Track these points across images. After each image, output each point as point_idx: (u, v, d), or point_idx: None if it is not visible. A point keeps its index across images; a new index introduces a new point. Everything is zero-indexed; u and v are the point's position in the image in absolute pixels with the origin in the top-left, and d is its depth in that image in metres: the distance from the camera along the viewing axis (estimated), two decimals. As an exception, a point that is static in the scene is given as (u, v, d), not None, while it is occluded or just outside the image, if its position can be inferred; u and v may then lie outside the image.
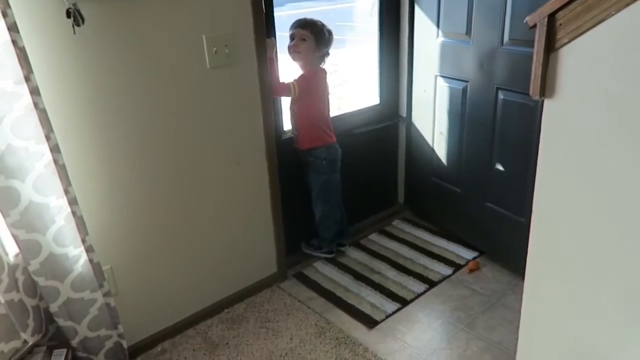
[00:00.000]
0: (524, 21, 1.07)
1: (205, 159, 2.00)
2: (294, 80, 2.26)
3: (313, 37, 2.24)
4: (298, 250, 2.60)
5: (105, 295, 1.70)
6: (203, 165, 2.00)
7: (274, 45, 2.17)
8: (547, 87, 1.07)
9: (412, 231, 2.83)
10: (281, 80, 2.22)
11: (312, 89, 2.29)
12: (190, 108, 1.90)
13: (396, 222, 2.93)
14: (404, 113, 2.85)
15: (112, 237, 1.82)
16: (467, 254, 2.59)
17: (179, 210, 1.98)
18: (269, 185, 2.25)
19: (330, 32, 2.29)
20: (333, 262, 2.57)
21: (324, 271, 2.51)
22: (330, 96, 2.42)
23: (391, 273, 2.47)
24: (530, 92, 1.09)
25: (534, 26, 1.03)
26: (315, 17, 2.31)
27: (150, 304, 2.00)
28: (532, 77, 1.07)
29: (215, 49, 1.89)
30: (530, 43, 2.05)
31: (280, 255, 2.40)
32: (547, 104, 1.09)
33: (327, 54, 2.33)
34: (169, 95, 1.83)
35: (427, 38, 2.56)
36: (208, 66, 1.89)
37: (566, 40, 1.01)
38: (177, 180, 1.94)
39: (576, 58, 1.01)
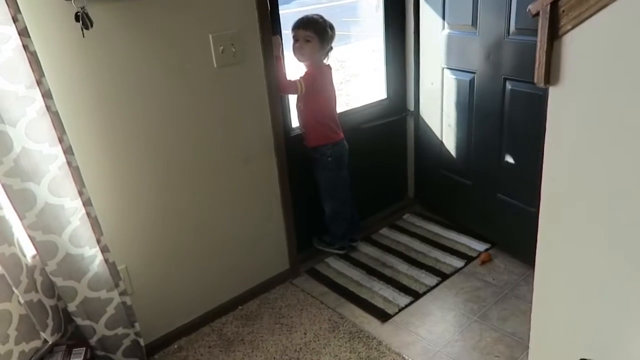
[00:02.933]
0: (527, 10, 1.07)
1: (215, 157, 2.02)
2: (300, 77, 2.27)
3: (317, 36, 2.24)
4: (310, 246, 2.62)
5: (122, 294, 1.73)
6: (213, 163, 2.03)
7: (280, 43, 2.18)
8: (551, 75, 1.07)
9: (423, 225, 2.84)
10: (287, 78, 2.24)
11: (317, 85, 2.30)
12: (199, 107, 1.93)
13: (407, 216, 2.94)
14: (411, 107, 2.85)
15: (126, 236, 1.85)
16: (479, 246, 2.58)
17: (191, 209, 2.01)
18: (279, 181, 2.27)
19: (332, 28, 2.29)
20: (345, 257, 2.59)
21: (336, 266, 2.53)
22: (336, 92, 2.43)
23: (403, 267, 2.47)
24: (535, 80, 1.09)
25: (537, 14, 1.03)
26: (316, 14, 2.31)
27: (165, 302, 2.03)
28: (537, 64, 1.07)
29: (221, 48, 1.90)
30: (536, 32, 2.06)
31: (292, 252, 2.42)
32: (552, 91, 1.09)
33: (331, 48, 2.34)
34: (178, 95, 1.85)
35: (433, 30, 2.56)
36: (215, 65, 1.91)
37: (569, 27, 1.01)
38: (188, 179, 1.97)
39: (580, 44, 1.01)
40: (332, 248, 2.59)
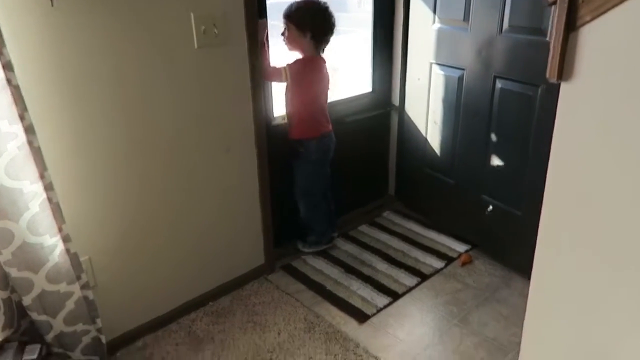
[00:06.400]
0: (544, -3, 0.99)
1: (191, 144, 1.90)
2: (287, 64, 2.15)
3: (293, 25, 2.13)
4: (287, 241, 2.51)
5: (83, 287, 1.60)
6: (188, 151, 1.90)
7: (266, 27, 2.07)
8: (565, 70, 0.99)
9: (403, 223, 2.77)
10: (272, 65, 2.12)
11: (306, 75, 2.19)
12: (177, 90, 1.80)
13: (387, 214, 2.86)
14: (396, 101, 2.77)
15: (91, 226, 1.71)
16: (459, 247, 2.53)
17: (162, 199, 1.88)
18: (258, 173, 2.16)
19: (313, 14, 2.12)
20: (322, 254, 2.49)
21: (313, 263, 2.43)
22: (330, 85, 2.29)
23: (382, 266, 2.40)
24: (547, 75, 1.01)
25: (554, 3, 0.95)
26: (304, 1, 2.16)
27: (131, 296, 1.90)
28: (550, 57, 0.98)
29: (203, 28, 1.78)
30: (531, 30, 2.01)
31: (268, 247, 2.32)
32: (565, 88, 1.02)
33: (323, 40, 2.18)
34: (154, 75, 1.72)
35: (423, 24, 2.48)
36: (196, 46, 1.79)
37: (589, 18, 0.93)
38: (161, 167, 1.84)
39: (600, 38, 0.93)
40: (320, 247, 2.48)
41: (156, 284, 1.97)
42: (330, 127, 2.32)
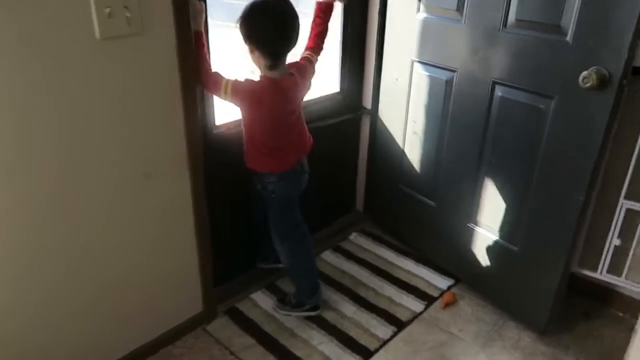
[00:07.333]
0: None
1: (94, 170, 1.39)
2: (234, 79, 1.57)
3: (241, 34, 1.57)
4: (230, 278, 2.03)
5: None
6: (95, 178, 1.39)
7: (203, 11, 1.55)
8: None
9: (374, 248, 2.34)
10: (215, 70, 1.58)
11: (261, 101, 1.58)
12: (69, 99, 1.28)
13: (354, 236, 2.42)
14: (368, 105, 2.31)
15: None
16: (441, 282, 2.12)
17: (61, 240, 1.37)
18: (192, 200, 1.67)
19: (256, 22, 1.53)
20: (276, 292, 2.04)
21: (264, 304, 1.98)
22: (300, 110, 1.74)
23: (349, 309, 1.96)
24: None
25: None
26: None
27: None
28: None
29: (108, 10, 1.26)
30: (545, 26, 1.54)
31: (207, 289, 1.84)
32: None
33: (275, 55, 1.56)
34: (32, 80, 1.20)
35: (404, 12, 2.01)
36: (98, 36, 1.27)
37: None
38: (57, 199, 1.33)
39: None
40: (302, 311, 1.92)
41: (56, 348, 1.47)
42: (303, 160, 1.81)
